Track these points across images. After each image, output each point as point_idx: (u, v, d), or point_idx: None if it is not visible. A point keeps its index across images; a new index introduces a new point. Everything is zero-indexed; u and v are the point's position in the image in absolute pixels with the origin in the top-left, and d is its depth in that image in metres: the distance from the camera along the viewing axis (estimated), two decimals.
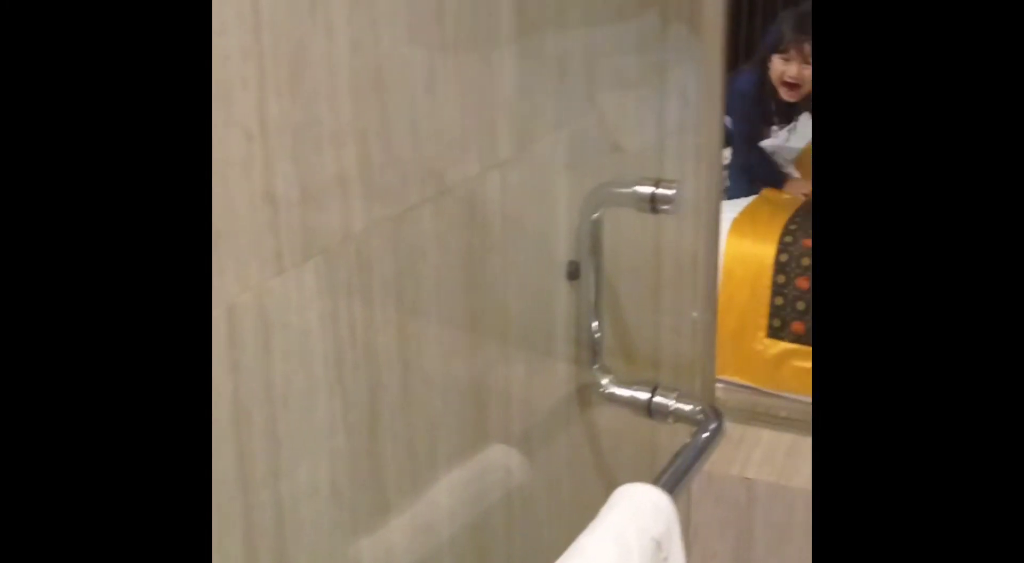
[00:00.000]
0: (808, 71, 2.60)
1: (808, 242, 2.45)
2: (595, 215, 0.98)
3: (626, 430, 1.19)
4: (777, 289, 2.45)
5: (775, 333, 2.45)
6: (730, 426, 1.69)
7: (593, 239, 0.99)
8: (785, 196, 2.81)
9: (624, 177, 1.00)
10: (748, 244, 2.49)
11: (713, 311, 1.58)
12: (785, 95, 2.68)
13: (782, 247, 2.46)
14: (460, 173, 0.77)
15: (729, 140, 2.82)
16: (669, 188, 0.97)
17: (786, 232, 2.50)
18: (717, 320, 1.70)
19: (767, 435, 1.67)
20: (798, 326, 2.43)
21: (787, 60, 2.63)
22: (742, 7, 3.49)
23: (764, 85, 2.72)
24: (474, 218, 0.81)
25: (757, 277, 2.46)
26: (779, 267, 2.45)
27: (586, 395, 1.06)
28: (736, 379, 2.47)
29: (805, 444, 1.64)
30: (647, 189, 0.97)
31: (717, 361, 2.52)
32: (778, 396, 2.46)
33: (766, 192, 2.85)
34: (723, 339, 2.50)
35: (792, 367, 2.44)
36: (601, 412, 1.10)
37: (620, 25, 1.10)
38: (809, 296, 2.41)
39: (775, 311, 2.45)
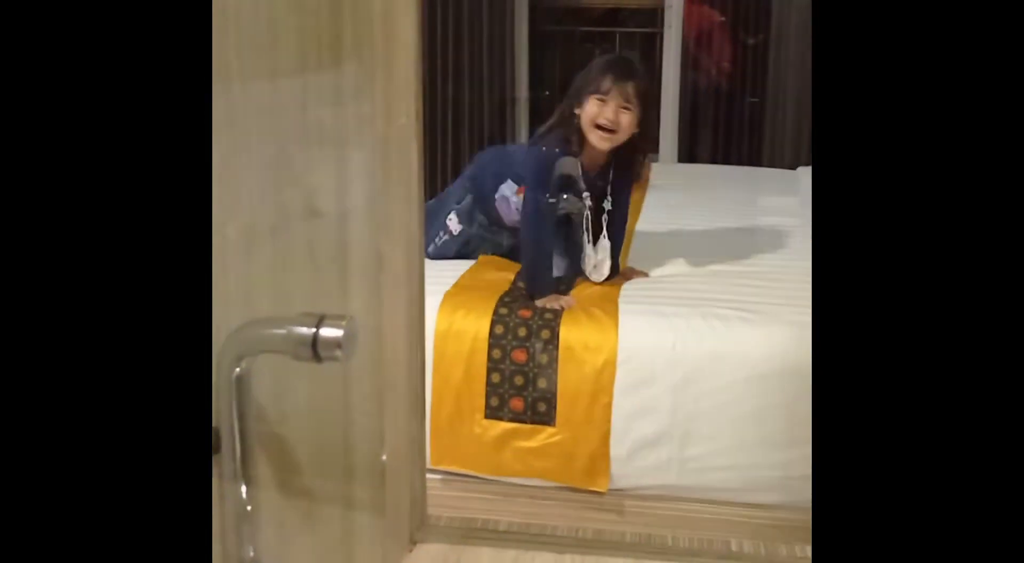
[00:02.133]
0: (626, 118, 2.40)
1: (525, 312, 2.31)
2: (238, 370, 0.73)
3: None
4: (493, 365, 2.28)
5: (493, 413, 2.28)
6: (446, 548, 1.49)
7: (239, 399, 0.74)
8: (500, 261, 2.68)
9: (277, 314, 0.76)
10: (460, 318, 2.32)
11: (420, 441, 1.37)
12: (597, 141, 2.43)
13: (497, 319, 2.31)
14: None
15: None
16: (335, 327, 0.74)
17: (501, 303, 2.35)
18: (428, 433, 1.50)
19: (487, 555, 1.48)
20: (517, 403, 2.27)
21: (603, 101, 2.40)
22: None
23: (568, 141, 2.47)
24: None
25: (471, 354, 2.29)
26: (494, 341, 2.29)
27: None
28: (455, 468, 2.27)
29: (528, 559, 1.48)
30: (306, 330, 0.73)
31: (434, 451, 2.33)
32: (500, 482, 2.30)
33: (484, 258, 2.70)
34: (439, 426, 2.31)
35: (513, 448, 2.28)
36: None
37: (312, 77, 0.94)
38: (526, 368, 2.27)
39: (492, 389, 2.29)
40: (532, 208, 2.48)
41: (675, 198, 3.44)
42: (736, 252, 2.78)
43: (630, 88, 2.40)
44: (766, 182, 3.89)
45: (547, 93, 4.75)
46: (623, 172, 2.56)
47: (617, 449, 2.23)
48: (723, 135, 4.70)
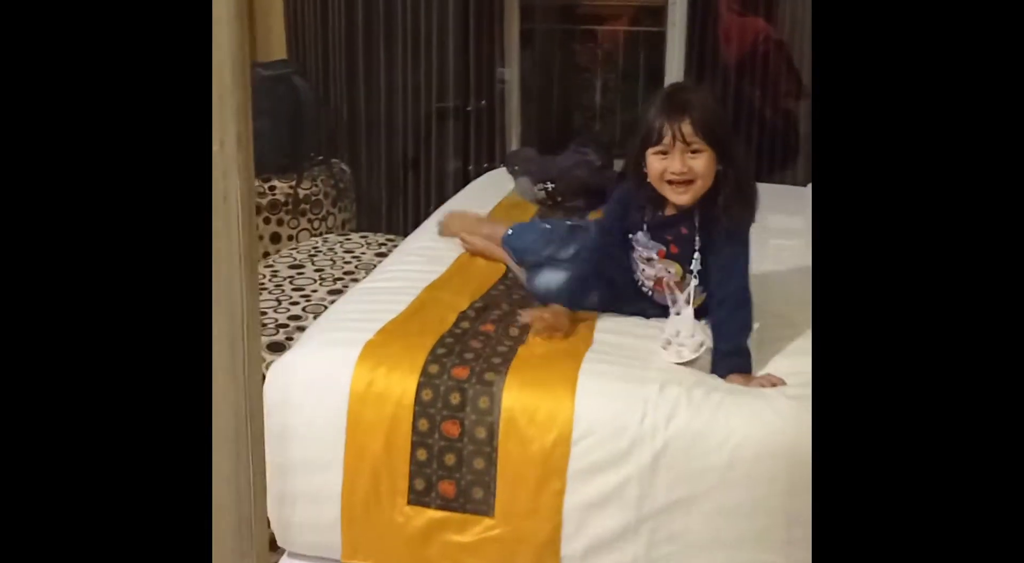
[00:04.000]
0: (700, 162, 1.94)
1: (460, 371, 1.87)
2: None
3: None
4: (419, 438, 1.84)
5: (418, 499, 1.84)
6: None
7: None
8: (446, 298, 2.23)
9: None
10: (382, 377, 1.88)
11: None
12: (674, 197, 1.99)
13: (425, 380, 1.86)
14: None
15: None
16: None
17: (431, 359, 1.90)
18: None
19: None
20: (447, 487, 1.83)
21: (664, 154, 1.96)
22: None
23: (642, 195, 2.05)
24: None
25: (393, 423, 1.85)
26: (421, 408, 1.85)
27: None
28: None
29: None
30: None
31: (346, 544, 1.89)
32: None
33: (426, 292, 2.26)
34: (352, 512, 1.86)
35: (442, 543, 1.83)
36: None
37: None
38: (460, 444, 1.82)
39: (417, 468, 1.84)
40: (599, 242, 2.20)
41: None
42: None
43: (692, 125, 1.93)
44: (774, 199, 3.42)
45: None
46: (712, 216, 2.00)
47: (570, 547, 1.78)
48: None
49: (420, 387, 1.85)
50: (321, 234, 3.86)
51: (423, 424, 1.84)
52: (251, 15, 4.34)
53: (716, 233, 2.01)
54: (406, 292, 2.24)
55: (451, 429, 1.83)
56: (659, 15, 4.54)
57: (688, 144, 1.94)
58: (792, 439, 1.69)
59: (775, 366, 1.93)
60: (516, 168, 3.24)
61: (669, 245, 2.07)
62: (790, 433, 1.70)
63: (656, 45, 4.62)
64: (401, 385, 1.86)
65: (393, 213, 4.35)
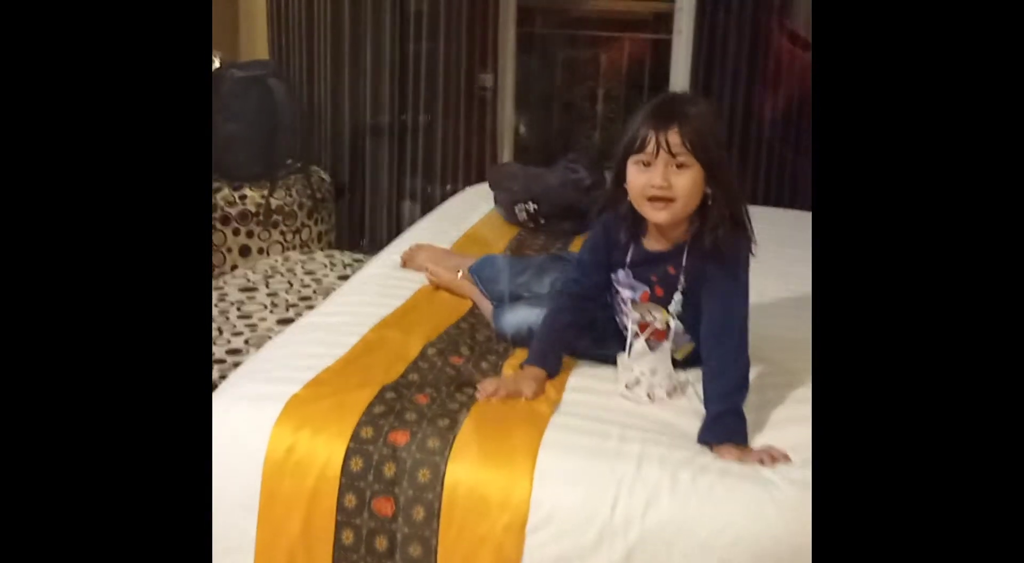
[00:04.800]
0: (683, 179, 1.65)
1: (399, 436, 1.55)
2: None
3: None
4: (345, 517, 1.52)
5: None
6: None
7: None
8: (396, 339, 1.91)
9: None
10: (305, 441, 1.56)
11: None
12: (652, 214, 1.69)
13: (356, 446, 1.54)
14: None
15: None
16: None
17: (365, 419, 1.58)
18: None
19: None
20: None
21: (646, 165, 1.66)
22: None
23: (622, 214, 1.76)
24: None
25: (314, 498, 1.53)
26: (348, 480, 1.52)
27: None
28: None
29: None
30: None
31: None
32: None
33: (375, 331, 1.94)
34: None
35: None
36: None
37: None
38: (392, 526, 1.50)
39: (341, 554, 1.52)
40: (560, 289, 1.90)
41: None
42: None
43: (680, 135, 1.63)
44: (784, 227, 3.09)
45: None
46: (701, 253, 1.71)
47: None
48: (737, 162, 3.90)
49: (349, 455, 1.53)
50: (295, 247, 3.57)
51: (350, 500, 1.52)
52: (234, 12, 4.05)
53: (707, 272, 1.69)
54: (351, 331, 1.91)
55: (383, 507, 1.51)
56: (667, 22, 4.23)
57: (673, 156, 1.63)
58: (799, 540, 1.36)
59: (776, 436, 1.60)
60: (498, 185, 2.91)
61: (654, 286, 1.75)
62: (795, 531, 1.37)
63: (663, 53, 4.32)
64: (326, 451, 1.54)
65: (376, 226, 4.05)
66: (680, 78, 3.94)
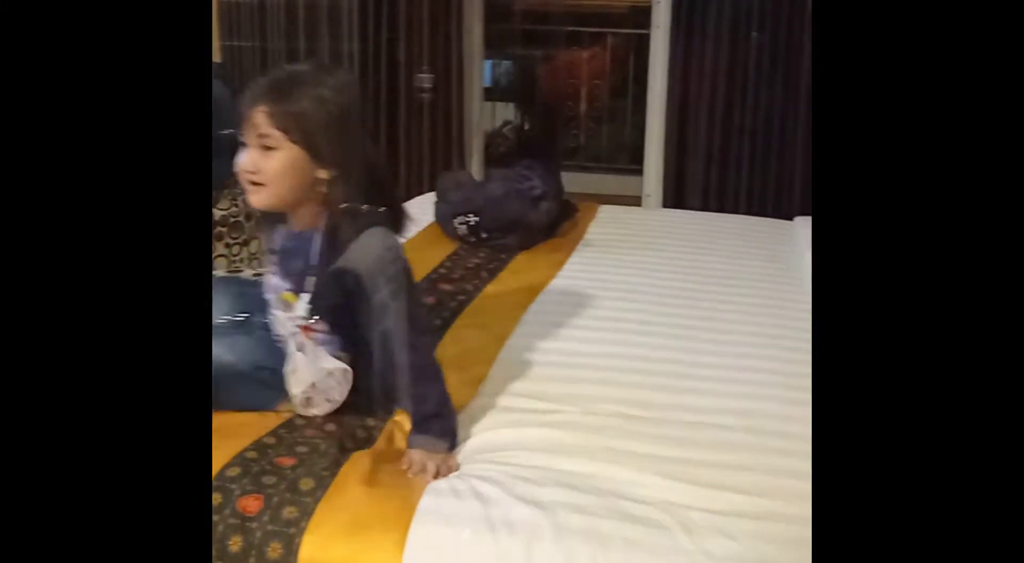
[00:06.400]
0: (272, 162, 1.50)
1: (250, 501, 1.32)
2: None
3: None
4: None
5: None
6: None
7: None
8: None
9: None
10: None
11: None
12: (249, 198, 1.56)
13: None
14: None
15: None
16: None
17: (219, 482, 1.36)
18: None
19: None
20: None
21: (245, 144, 1.53)
22: None
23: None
24: None
25: None
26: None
27: None
28: None
29: None
30: None
31: None
32: None
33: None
34: None
35: None
36: None
37: None
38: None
39: None
40: None
41: (614, 268, 2.41)
42: (685, 381, 1.76)
43: (269, 117, 1.49)
44: (757, 236, 2.86)
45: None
46: (333, 241, 1.55)
47: None
48: (718, 168, 3.66)
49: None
50: (242, 260, 3.35)
51: None
52: None
53: (348, 276, 1.51)
54: None
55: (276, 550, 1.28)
56: (645, 16, 4.02)
57: (260, 136, 1.50)
58: None
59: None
60: (442, 195, 2.69)
61: (297, 278, 1.60)
62: None
63: (643, 47, 4.11)
64: None
65: None
66: (659, 72, 3.72)
